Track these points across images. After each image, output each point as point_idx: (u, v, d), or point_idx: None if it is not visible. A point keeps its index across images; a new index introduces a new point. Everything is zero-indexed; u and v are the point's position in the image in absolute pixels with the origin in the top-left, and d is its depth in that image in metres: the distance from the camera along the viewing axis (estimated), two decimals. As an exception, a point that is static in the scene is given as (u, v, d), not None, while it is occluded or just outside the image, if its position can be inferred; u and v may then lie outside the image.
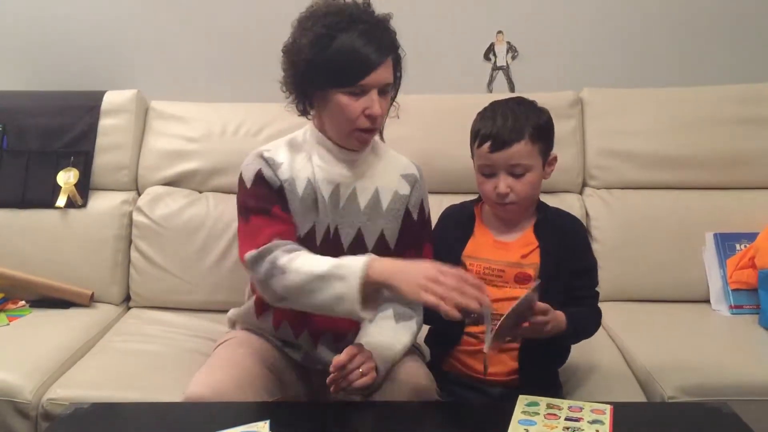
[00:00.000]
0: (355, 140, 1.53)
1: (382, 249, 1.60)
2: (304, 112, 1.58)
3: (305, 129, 1.63)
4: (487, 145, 1.53)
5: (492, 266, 1.57)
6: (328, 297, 1.35)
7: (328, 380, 1.41)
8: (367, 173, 1.61)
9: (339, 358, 1.40)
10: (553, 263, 1.55)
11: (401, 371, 1.50)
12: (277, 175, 1.53)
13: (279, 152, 1.57)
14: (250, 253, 1.45)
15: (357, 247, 1.58)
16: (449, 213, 1.71)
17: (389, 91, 1.53)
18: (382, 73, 1.48)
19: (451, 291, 1.26)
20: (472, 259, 1.59)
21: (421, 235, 1.65)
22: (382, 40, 1.49)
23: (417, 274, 1.29)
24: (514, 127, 1.51)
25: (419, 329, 1.60)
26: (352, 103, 1.47)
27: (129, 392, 1.67)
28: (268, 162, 1.54)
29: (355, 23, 1.47)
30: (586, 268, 1.62)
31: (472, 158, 1.61)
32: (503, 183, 1.52)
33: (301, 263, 1.40)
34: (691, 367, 1.74)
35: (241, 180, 1.56)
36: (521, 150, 1.51)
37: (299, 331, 1.62)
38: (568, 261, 1.57)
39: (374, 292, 1.36)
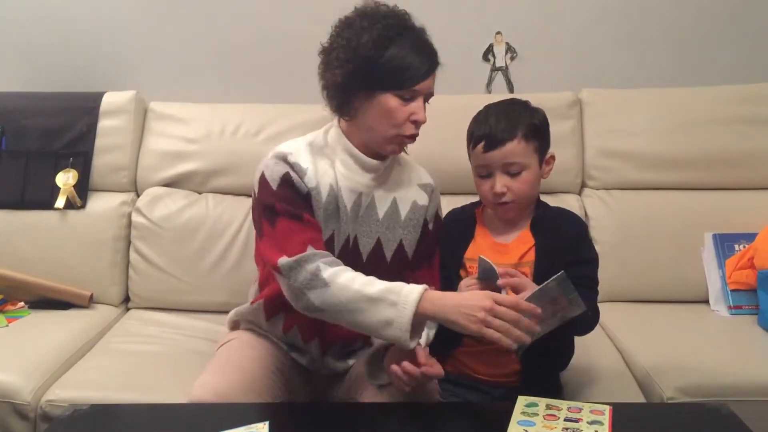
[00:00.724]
0: (394, 145, 1.52)
1: (400, 259, 1.60)
2: (342, 114, 1.54)
3: (325, 131, 1.60)
4: (481, 145, 1.54)
5: None
6: (375, 320, 1.35)
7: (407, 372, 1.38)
8: (387, 183, 1.60)
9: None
10: (548, 259, 1.55)
11: None
12: (304, 182, 1.50)
13: (302, 157, 1.52)
14: (286, 260, 1.41)
15: (376, 257, 1.57)
16: (451, 216, 1.71)
17: (428, 102, 1.54)
18: (430, 84, 1.51)
19: (510, 325, 1.29)
20: (472, 262, 1.59)
21: (434, 242, 1.65)
22: (432, 51, 1.52)
23: (475, 307, 1.31)
24: (506, 126, 1.53)
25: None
26: (400, 107, 1.48)
27: (128, 393, 1.68)
28: (294, 168, 1.50)
29: (409, 30, 1.50)
30: (583, 259, 1.59)
31: (470, 161, 1.61)
32: (499, 182, 1.53)
33: (349, 280, 1.38)
34: (690, 367, 1.74)
35: (263, 180, 1.49)
36: (515, 148, 1.52)
37: (309, 338, 1.61)
38: (563, 255, 1.55)
39: (420, 322, 1.37)
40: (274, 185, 1.48)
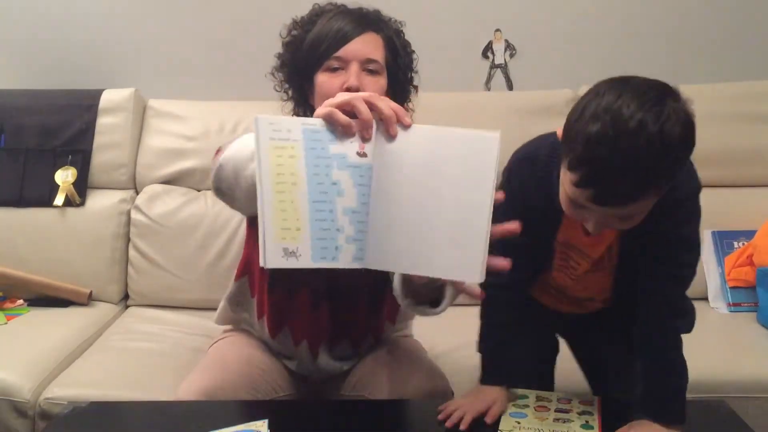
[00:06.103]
0: None
1: None
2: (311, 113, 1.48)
3: None
4: (589, 194, 1.08)
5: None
6: None
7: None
8: None
9: None
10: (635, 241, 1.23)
11: (417, 373, 1.48)
12: None
13: None
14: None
15: None
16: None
17: (379, 71, 1.40)
18: (361, 47, 1.37)
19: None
20: (566, 247, 1.33)
21: None
22: (360, 14, 1.42)
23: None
24: (635, 180, 1.05)
25: None
26: (329, 79, 1.37)
27: (127, 391, 1.68)
28: None
29: (337, 8, 1.43)
30: (674, 239, 1.25)
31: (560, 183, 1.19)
32: (601, 226, 1.15)
33: None
34: (689, 364, 1.73)
35: None
36: (639, 207, 1.12)
37: (299, 340, 1.54)
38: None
39: None
40: None
